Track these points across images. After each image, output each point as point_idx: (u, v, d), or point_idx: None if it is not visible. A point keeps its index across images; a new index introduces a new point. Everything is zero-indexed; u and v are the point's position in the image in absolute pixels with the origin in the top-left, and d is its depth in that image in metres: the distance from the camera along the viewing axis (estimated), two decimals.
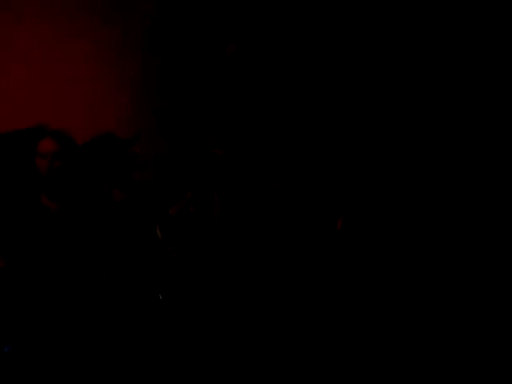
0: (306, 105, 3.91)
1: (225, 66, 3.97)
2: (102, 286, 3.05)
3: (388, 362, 2.98)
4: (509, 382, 2.89)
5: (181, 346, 2.98)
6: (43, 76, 3.72)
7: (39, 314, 2.92)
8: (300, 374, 2.95)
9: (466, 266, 3.29)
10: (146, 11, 3.91)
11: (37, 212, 3.09)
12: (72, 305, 2.97)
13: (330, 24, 3.91)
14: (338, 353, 3.01)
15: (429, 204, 3.52)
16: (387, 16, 3.80)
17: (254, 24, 4.00)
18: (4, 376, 2.78)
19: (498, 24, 3.57)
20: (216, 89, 3.95)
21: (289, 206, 3.49)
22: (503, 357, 2.96)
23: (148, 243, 3.24)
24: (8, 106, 3.62)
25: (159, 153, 3.80)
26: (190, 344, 2.99)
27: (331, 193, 3.56)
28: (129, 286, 3.08)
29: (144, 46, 3.93)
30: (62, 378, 2.81)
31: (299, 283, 3.21)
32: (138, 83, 3.88)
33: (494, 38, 3.58)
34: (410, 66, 3.75)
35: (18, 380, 2.79)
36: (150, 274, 3.14)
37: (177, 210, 3.31)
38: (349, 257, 3.30)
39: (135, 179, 3.48)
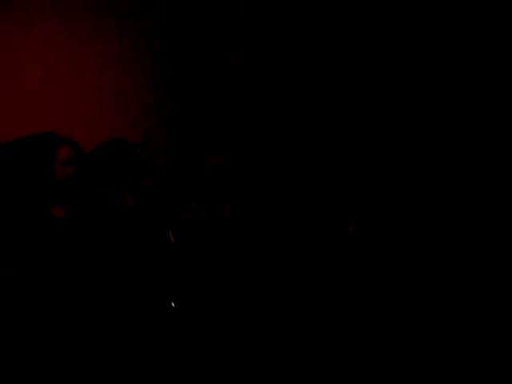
0: (311, 108, 3.92)
1: (231, 72, 3.98)
2: (113, 289, 3.04)
3: (390, 361, 2.98)
4: (509, 382, 2.88)
5: (192, 348, 2.97)
6: (53, 81, 3.73)
7: (49, 317, 2.91)
8: (303, 374, 2.94)
9: (474, 269, 3.29)
10: (156, 19, 3.93)
11: (46, 221, 3.13)
12: (83, 308, 2.96)
13: (331, 30, 3.93)
14: (342, 353, 3.01)
15: (438, 207, 3.52)
16: (387, 16, 3.81)
17: (259, 32, 4.02)
18: (4, 376, 2.77)
19: (498, 24, 3.56)
20: (223, 94, 3.96)
21: (298, 209, 3.48)
22: (503, 357, 2.95)
23: (160, 248, 3.23)
24: (16, 111, 3.63)
25: (169, 158, 3.80)
26: (202, 346, 2.98)
27: (341, 196, 3.55)
28: (140, 290, 3.07)
29: (153, 54, 3.94)
30: (66, 378, 2.81)
31: (308, 284, 3.20)
32: (147, 90, 3.88)
33: (494, 38, 3.58)
34: (410, 65, 3.74)
35: (17, 380, 2.78)
36: (162, 278, 3.13)
37: (188, 215, 3.29)
38: (358, 259, 3.29)
39: (145, 184, 3.48)
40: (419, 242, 3.39)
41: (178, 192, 3.52)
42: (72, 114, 3.71)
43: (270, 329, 3.04)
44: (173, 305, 3.02)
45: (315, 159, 3.75)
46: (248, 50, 4.02)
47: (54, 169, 3.21)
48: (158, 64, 3.96)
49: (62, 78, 3.73)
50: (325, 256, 3.29)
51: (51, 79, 3.71)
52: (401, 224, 3.45)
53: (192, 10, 4.01)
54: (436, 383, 2.90)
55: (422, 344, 3.04)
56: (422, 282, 3.26)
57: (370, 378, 2.92)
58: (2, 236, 3.07)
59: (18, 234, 3.08)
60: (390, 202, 3.52)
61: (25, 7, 3.67)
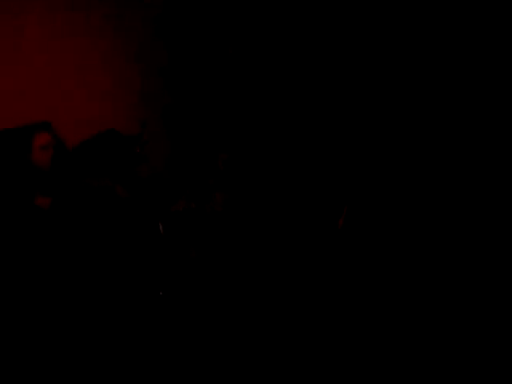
0: (306, 102, 3.93)
1: (226, 66, 4.00)
2: (104, 279, 3.07)
3: (388, 361, 3.00)
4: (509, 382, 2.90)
5: (183, 343, 3.00)
6: (49, 78, 3.74)
7: (41, 314, 2.93)
8: (301, 374, 2.96)
9: (466, 265, 3.31)
10: (153, 15, 3.94)
11: (30, 211, 3.10)
12: (74, 304, 2.98)
13: (327, 25, 3.93)
14: (338, 352, 3.03)
15: (429, 202, 3.53)
16: (388, 16, 3.82)
17: (253, 26, 4.03)
18: (4, 376, 2.79)
19: (498, 24, 3.58)
20: (219, 88, 3.98)
21: (291, 205, 3.51)
22: (503, 357, 2.96)
23: (150, 239, 3.26)
24: (14, 108, 3.61)
25: (164, 151, 3.82)
26: (194, 341, 3.00)
27: (332, 191, 3.57)
28: (131, 281, 3.10)
29: (150, 47, 3.95)
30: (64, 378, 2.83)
31: (299, 278, 3.23)
32: (143, 82, 3.89)
33: (494, 38, 3.60)
34: (410, 65, 3.76)
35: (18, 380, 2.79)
36: (152, 270, 3.16)
37: (178, 208, 3.33)
38: (349, 254, 3.31)
39: (138, 176, 3.50)
40: (411, 238, 3.42)
41: (170, 184, 3.55)
42: (67, 106, 3.73)
43: (261, 323, 3.07)
44: (160, 293, 3.05)
45: (309, 154, 3.77)
46: (245, 43, 4.03)
47: (32, 156, 3.12)
48: (155, 57, 3.97)
49: (56, 72, 3.74)
50: (315, 249, 3.32)
51: (46, 72, 3.73)
52: (393, 219, 3.47)
53: (190, 6, 4.03)
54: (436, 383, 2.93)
55: (415, 340, 3.07)
56: (416, 278, 3.29)
57: (365, 378, 2.95)
58: None
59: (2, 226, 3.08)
60: (382, 197, 3.54)
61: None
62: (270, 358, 2.98)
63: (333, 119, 3.86)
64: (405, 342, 3.06)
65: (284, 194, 3.59)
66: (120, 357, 2.89)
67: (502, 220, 3.39)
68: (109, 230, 3.24)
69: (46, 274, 3.00)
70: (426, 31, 3.72)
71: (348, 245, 3.35)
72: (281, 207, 3.53)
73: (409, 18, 3.77)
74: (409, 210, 3.50)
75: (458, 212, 3.48)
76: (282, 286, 3.21)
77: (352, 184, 3.61)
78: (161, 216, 3.32)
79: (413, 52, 3.75)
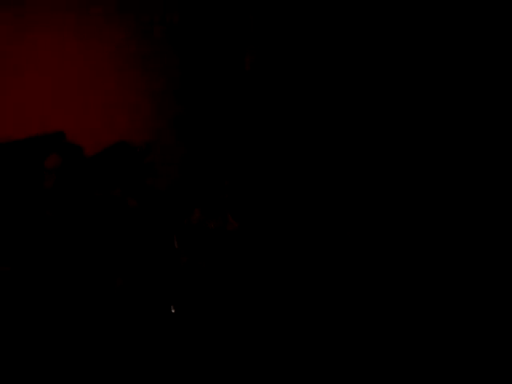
0: (320, 112, 3.91)
1: (243, 77, 3.97)
2: (114, 291, 3.07)
3: (388, 361, 2.99)
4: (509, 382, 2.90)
5: (190, 352, 3.00)
6: (60, 85, 3.72)
7: (46, 319, 2.94)
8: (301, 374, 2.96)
9: (466, 266, 3.30)
10: (168, 22, 3.91)
11: (42, 222, 3.15)
12: (81, 310, 2.98)
13: (342, 33, 3.92)
14: (338, 353, 3.02)
15: (428, 203, 3.53)
16: (397, 18, 3.81)
17: (271, 36, 4.01)
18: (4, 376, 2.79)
19: (498, 24, 3.57)
20: (234, 99, 3.96)
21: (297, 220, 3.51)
22: (503, 357, 2.96)
23: (162, 252, 3.26)
24: (23, 115, 3.62)
25: (177, 162, 3.81)
26: (200, 351, 3.00)
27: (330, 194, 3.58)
28: (141, 293, 3.10)
29: (164, 57, 3.93)
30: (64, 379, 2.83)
31: (307, 291, 3.23)
32: (157, 94, 3.88)
33: (494, 38, 3.59)
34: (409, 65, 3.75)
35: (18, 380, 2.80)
36: (163, 282, 3.16)
37: (191, 222, 3.32)
38: (354, 257, 3.32)
39: (149, 188, 3.50)
40: (409, 238, 3.42)
41: (183, 197, 3.54)
42: (80, 115, 3.72)
43: (270, 335, 3.07)
44: (173, 310, 3.05)
45: (325, 168, 3.77)
46: (261, 54, 4.01)
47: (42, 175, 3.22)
48: (169, 66, 3.95)
49: (70, 80, 3.73)
50: (323, 260, 3.33)
51: (60, 80, 3.71)
52: (393, 220, 3.48)
53: (204, 11, 4.01)
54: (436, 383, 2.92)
55: (415, 341, 3.06)
56: (417, 278, 3.28)
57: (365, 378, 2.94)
58: None
59: (13, 235, 3.09)
60: (384, 200, 3.55)
61: (35, 8, 3.68)
62: (269, 362, 2.98)
63: (355, 127, 3.83)
64: (405, 343, 3.05)
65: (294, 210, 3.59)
66: (122, 361, 2.90)
67: (501, 221, 3.39)
68: (119, 242, 3.25)
69: (55, 285, 3.02)
70: (427, 31, 3.71)
71: (354, 248, 3.36)
72: (289, 223, 3.53)
73: (409, 18, 3.76)
74: (409, 211, 3.50)
75: (458, 214, 3.46)
76: (290, 298, 3.22)
77: (356, 189, 3.61)
78: (174, 228, 3.31)
79: (413, 52, 3.74)
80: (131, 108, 3.80)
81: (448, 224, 3.45)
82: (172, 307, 3.05)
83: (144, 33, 3.86)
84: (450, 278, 3.28)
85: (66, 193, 3.29)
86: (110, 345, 2.92)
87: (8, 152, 3.34)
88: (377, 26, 3.84)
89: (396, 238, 3.44)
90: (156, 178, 3.52)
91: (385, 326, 3.12)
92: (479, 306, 3.16)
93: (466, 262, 3.31)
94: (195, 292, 3.15)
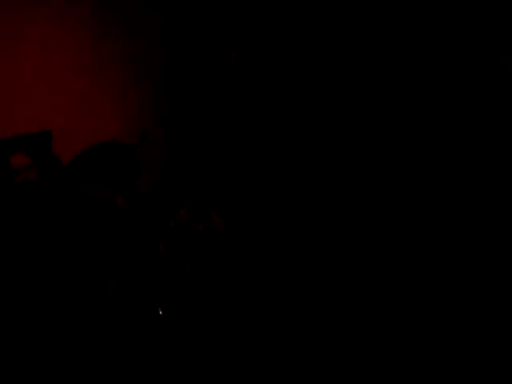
0: (308, 108, 3.91)
1: (229, 73, 3.97)
2: (102, 292, 3.11)
3: (388, 362, 3.02)
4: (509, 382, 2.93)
5: (182, 353, 3.06)
6: (50, 81, 3.70)
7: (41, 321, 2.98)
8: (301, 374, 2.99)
9: (466, 267, 3.32)
10: (154, 20, 3.89)
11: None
12: (73, 311, 3.04)
13: (329, 29, 3.89)
14: (339, 354, 3.06)
15: (430, 204, 3.53)
16: (388, 16, 3.79)
17: (256, 31, 3.99)
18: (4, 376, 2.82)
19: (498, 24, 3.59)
20: (220, 94, 3.96)
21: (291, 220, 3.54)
22: (503, 357, 2.99)
23: (148, 253, 3.30)
24: (11, 111, 3.61)
25: (162, 163, 3.83)
26: (191, 352, 3.07)
27: (338, 201, 3.60)
28: (128, 294, 3.15)
29: (150, 55, 3.92)
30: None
31: (304, 295, 3.29)
32: (143, 92, 3.88)
33: (494, 38, 3.61)
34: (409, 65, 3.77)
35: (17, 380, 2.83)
36: (149, 284, 3.21)
37: (177, 224, 3.36)
38: (354, 258, 3.38)
39: (137, 188, 3.52)
40: (417, 244, 3.42)
41: (170, 197, 3.57)
42: (67, 113, 3.72)
43: (261, 335, 3.10)
44: (160, 312, 3.11)
45: (313, 163, 3.77)
46: (246, 49, 4.00)
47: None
48: (156, 65, 3.95)
49: (58, 79, 3.72)
50: (319, 264, 3.36)
51: (48, 79, 3.69)
52: (397, 224, 3.49)
53: (192, 9, 3.99)
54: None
55: (415, 340, 3.08)
56: (422, 285, 3.29)
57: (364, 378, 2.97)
58: None
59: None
60: (386, 202, 3.56)
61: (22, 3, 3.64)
62: (259, 363, 3.02)
63: (343, 126, 3.83)
64: (405, 343, 3.09)
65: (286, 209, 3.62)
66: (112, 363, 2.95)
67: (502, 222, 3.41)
68: (106, 241, 3.29)
69: (44, 284, 3.06)
70: (427, 31, 3.72)
71: (354, 249, 3.39)
72: (282, 223, 3.56)
73: (409, 18, 3.76)
74: (412, 213, 3.51)
75: (459, 215, 3.47)
76: (283, 302, 3.26)
77: (360, 190, 3.61)
78: (159, 229, 3.35)
79: (413, 53, 3.74)
80: (118, 108, 3.81)
81: (448, 223, 3.45)
82: (159, 309, 3.12)
83: (132, 32, 3.86)
84: (449, 277, 3.30)
85: (51, 189, 3.29)
86: (106, 347, 2.97)
87: None
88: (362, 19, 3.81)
89: (390, 236, 3.46)
90: (140, 178, 3.55)
91: (383, 324, 3.15)
92: (479, 306, 3.17)
93: (466, 261, 3.32)
94: (183, 294, 3.20)
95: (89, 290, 3.09)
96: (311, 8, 3.93)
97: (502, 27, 3.51)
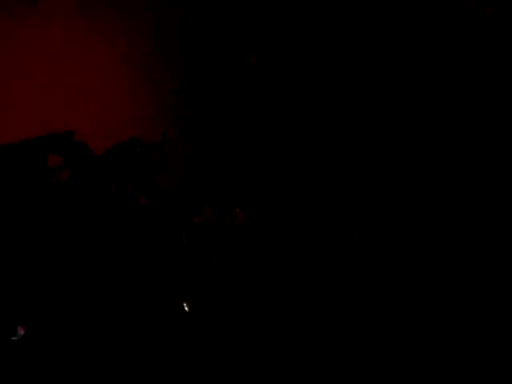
0: (327, 109, 3.92)
1: (249, 73, 3.98)
2: (122, 289, 3.12)
3: (389, 362, 3.04)
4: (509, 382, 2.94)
5: (199, 350, 3.06)
6: (66, 82, 3.73)
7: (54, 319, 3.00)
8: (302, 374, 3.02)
9: (466, 267, 3.33)
10: (174, 21, 3.91)
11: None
12: (90, 308, 3.05)
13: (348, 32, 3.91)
14: (342, 356, 3.07)
15: (443, 215, 3.53)
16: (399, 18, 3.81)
17: (276, 32, 4.01)
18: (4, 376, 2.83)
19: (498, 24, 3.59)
20: (240, 95, 3.97)
21: (304, 219, 3.54)
22: (503, 357, 3.01)
23: (172, 250, 3.32)
24: (25, 113, 3.64)
25: (185, 160, 3.83)
26: (209, 349, 3.06)
27: (346, 204, 3.60)
28: (150, 291, 3.16)
29: (171, 53, 3.93)
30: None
31: (313, 291, 3.28)
32: (164, 90, 3.89)
33: (494, 38, 3.61)
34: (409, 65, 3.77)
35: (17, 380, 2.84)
36: (173, 280, 3.22)
37: (201, 220, 3.38)
38: (363, 267, 3.37)
39: (159, 185, 3.54)
40: (424, 250, 3.41)
41: (191, 195, 3.58)
42: (86, 114, 3.74)
43: (275, 334, 3.11)
44: (186, 308, 3.11)
45: (329, 165, 3.77)
46: (267, 50, 4.01)
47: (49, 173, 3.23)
48: (175, 64, 3.96)
49: (75, 78, 3.74)
50: (330, 264, 3.37)
51: (64, 79, 3.72)
52: (406, 232, 3.49)
53: (213, 13, 4.01)
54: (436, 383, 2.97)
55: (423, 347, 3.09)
56: (426, 290, 3.30)
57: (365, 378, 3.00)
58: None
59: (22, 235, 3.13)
60: (395, 209, 3.57)
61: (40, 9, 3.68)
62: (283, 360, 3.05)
63: (358, 128, 3.84)
64: (405, 343, 3.10)
65: (299, 207, 3.62)
66: (130, 360, 2.96)
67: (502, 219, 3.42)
68: (130, 239, 3.30)
69: (62, 282, 3.08)
70: (427, 32, 3.73)
71: (363, 258, 3.39)
72: (296, 220, 3.56)
73: (410, 18, 3.77)
74: (424, 223, 3.53)
75: (472, 224, 3.48)
76: (296, 296, 3.26)
77: (367, 196, 3.63)
78: (183, 227, 3.37)
79: (414, 53, 3.75)
80: (140, 108, 3.82)
81: (448, 222, 3.47)
82: (186, 305, 3.12)
83: (150, 32, 3.88)
84: (449, 276, 3.31)
85: (82, 188, 3.32)
86: (116, 343, 2.98)
87: (16, 152, 3.36)
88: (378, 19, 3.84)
89: (406, 235, 3.46)
90: (163, 177, 3.56)
91: (384, 324, 3.17)
92: (479, 306, 3.19)
93: (466, 261, 3.34)
94: (210, 290, 3.21)
95: (114, 288, 3.10)
96: (335, 9, 3.96)
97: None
